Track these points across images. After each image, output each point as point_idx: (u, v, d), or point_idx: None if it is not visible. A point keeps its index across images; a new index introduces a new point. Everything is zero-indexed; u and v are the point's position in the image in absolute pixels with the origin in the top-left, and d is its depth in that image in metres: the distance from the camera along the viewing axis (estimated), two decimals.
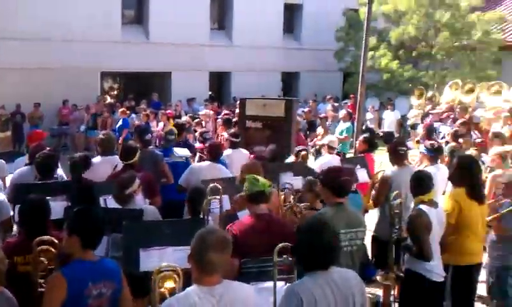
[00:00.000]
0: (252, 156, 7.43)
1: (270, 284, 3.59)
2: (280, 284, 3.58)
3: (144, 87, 20.99)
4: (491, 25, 20.17)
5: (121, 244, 4.10)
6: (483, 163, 7.69)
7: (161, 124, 13.89)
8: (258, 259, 3.76)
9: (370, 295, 6.35)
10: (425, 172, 5.11)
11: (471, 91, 14.32)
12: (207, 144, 7.82)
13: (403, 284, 4.81)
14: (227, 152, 7.86)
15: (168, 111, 16.21)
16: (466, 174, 5.06)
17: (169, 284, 3.34)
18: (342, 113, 13.62)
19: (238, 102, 13.76)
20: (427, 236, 4.52)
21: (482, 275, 5.41)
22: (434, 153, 6.87)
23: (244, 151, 7.93)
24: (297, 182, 6.50)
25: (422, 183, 4.79)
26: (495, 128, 10.73)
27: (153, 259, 3.86)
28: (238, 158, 7.62)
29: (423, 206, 4.64)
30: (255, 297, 3.05)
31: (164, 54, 20.13)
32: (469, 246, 4.98)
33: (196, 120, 12.85)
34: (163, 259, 3.75)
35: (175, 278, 3.31)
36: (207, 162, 6.77)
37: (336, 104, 18.38)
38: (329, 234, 3.11)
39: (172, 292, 3.25)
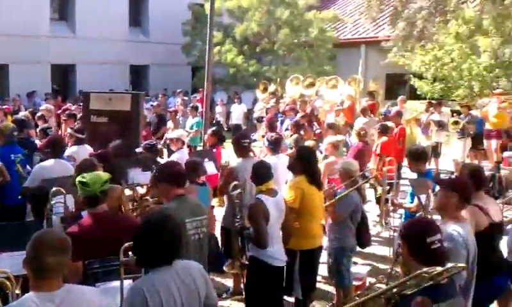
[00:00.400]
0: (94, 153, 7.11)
1: (117, 283, 3.49)
2: (127, 283, 3.50)
3: None
4: (326, 24, 21.69)
5: None
6: (321, 152, 8.28)
7: None
8: (103, 260, 3.63)
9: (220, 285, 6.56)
10: (263, 162, 5.27)
11: (311, 85, 15.30)
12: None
13: (248, 271, 4.94)
14: (72, 149, 7.49)
15: (5, 106, 14.90)
16: (305, 163, 5.39)
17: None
18: (190, 108, 13.76)
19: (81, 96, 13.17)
20: (264, 224, 4.64)
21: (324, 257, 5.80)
22: (273, 145, 7.12)
23: (89, 148, 7.60)
24: (146, 177, 6.41)
25: (260, 173, 4.94)
26: (329, 120, 11.59)
27: None
28: (84, 154, 7.28)
29: (261, 196, 4.79)
30: (100, 300, 2.94)
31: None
32: (311, 230, 5.31)
33: (38, 114, 11.98)
34: None
35: (8, 285, 3.06)
36: (51, 160, 6.32)
37: (186, 98, 18.42)
38: (171, 227, 3.05)
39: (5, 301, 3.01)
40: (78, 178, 3.95)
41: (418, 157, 6.16)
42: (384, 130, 9.25)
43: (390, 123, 9.94)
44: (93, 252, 3.59)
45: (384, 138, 9.08)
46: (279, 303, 4.91)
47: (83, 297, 2.79)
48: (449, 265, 2.87)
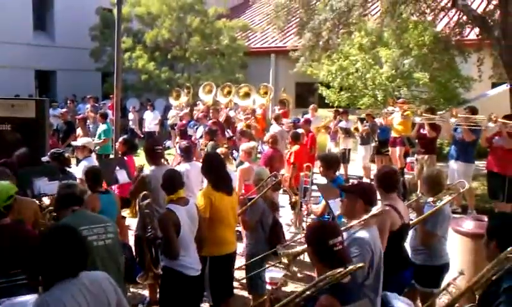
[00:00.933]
0: None
1: (25, 298, 3.35)
2: (30, 297, 3.34)
3: None
4: (236, 32, 21.96)
5: None
6: (234, 159, 8.40)
7: None
8: (7, 274, 3.47)
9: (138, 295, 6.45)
10: (173, 171, 5.27)
11: (229, 93, 15.42)
12: None
13: (162, 281, 4.90)
14: None
15: None
16: (210, 171, 5.45)
17: None
18: (99, 115, 13.37)
19: None
20: (174, 234, 4.63)
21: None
22: (185, 153, 7.23)
23: None
24: (53, 187, 6.16)
25: (170, 183, 4.92)
26: (241, 127, 11.75)
27: None
28: None
29: (171, 205, 4.78)
30: None
31: None
32: (222, 237, 5.34)
33: None
34: None
35: None
36: None
37: (96, 104, 17.88)
38: (72, 238, 2.95)
39: None
40: None
41: (331, 164, 6.39)
42: (296, 138, 9.50)
43: (300, 131, 10.25)
44: None
45: (296, 146, 9.33)
46: None
47: None
48: (350, 266, 2.99)
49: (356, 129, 12.49)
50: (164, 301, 4.88)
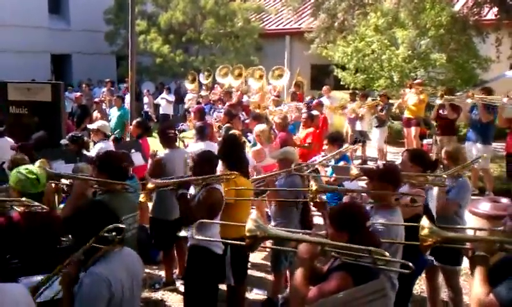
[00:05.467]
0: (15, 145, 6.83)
1: (39, 278, 3.38)
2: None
3: None
4: (250, 14, 21.81)
5: None
6: (249, 141, 8.40)
7: None
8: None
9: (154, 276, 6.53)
10: (210, 152, 5.22)
11: (239, 75, 15.35)
12: None
13: (189, 259, 4.90)
14: None
15: None
16: (230, 151, 5.42)
17: None
18: (115, 98, 13.44)
19: None
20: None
21: None
22: (199, 133, 7.45)
23: (9, 139, 7.30)
24: (70, 170, 6.23)
25: (210, 163, 4.89)
26: (254, 111, 11.70)
27: None
28: (3, 146, 7.03)
29: (215, 184, 4.78)
30: (25, 296, 2.86)
31: None
32: (243, 219, 5.31)
33: None
34: None
35: None
36: None
37: (112, 88, 17.96)
38: (114, 216, 3.11)
39: None
40: (29, 175, 3.76)
41: (334, 140, 6.58)
42: (311, 120, 9.46)
43: (315, 112, 10.20)
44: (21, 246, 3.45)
45: (311, 128, 9.26)
46: (216, 291, 4.92)
47: (12, 297, 2.71)
48: (386, 254, 2.97)
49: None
50: (190, 279, 4.87)
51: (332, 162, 6.54)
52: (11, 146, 6.90)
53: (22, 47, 20.82)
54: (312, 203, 5.04)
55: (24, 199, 3.70)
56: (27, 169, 3.82)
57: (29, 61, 20.71)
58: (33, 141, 6.56)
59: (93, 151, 7.59)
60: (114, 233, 2.98)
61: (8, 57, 20.44)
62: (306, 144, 8.94)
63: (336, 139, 6.76)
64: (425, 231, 3.11)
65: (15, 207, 3.75)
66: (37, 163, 4.42)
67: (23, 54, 20.80)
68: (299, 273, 3.10)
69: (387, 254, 2.96)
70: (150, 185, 4.82)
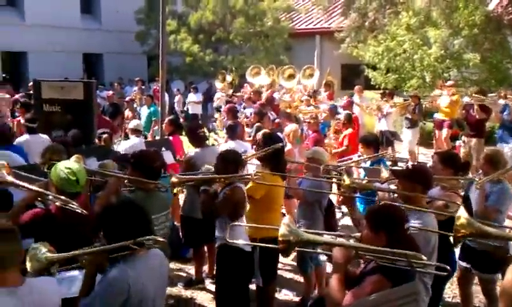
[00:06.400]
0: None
1: (72, 273, 3.43)
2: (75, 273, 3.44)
3: None
4: (280, 14, 21.77)
5: None
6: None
7: None
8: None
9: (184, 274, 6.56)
10: (235, 152, 5.21)
11: (292, 76, 15.20)
12: None
13: (218, 258, 4.92)
14: (24, 138, 7.35)
15: None
16: (273, 152, 5.38)
17: None
18: (145, 97, 13.62)
19: (30, 85, 12.79)
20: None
21: None
22: (230, 131, 7.49)
23: (44, 136, 7.43)
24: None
25: (234, 163, 4.87)
26: (285, 111, 11.64)
27: None
28: (36, 144, 7.13)
29: (238, 183, 4.82)
30: (58, 290, 2.90)
31: None
32: (274, 219, 5.25)
33: None
34: None
35: None
36: None
37: (143, 87, 18.17)
38: (146, 215, 3.15)
39: None
40: (70, 176, 3.82)
41: (369, 144, 6.48)
42: (349, 121, 9.33)
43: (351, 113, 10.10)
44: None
45: (350, 129, 9.13)
46: (247, 289, 4.91)
47: (45, 291, 2.76)
48: (424, 258, 2.91)
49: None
50: (221, 278, 4.89)
51: (367, 164, 6.42)
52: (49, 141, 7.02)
53: (55, 47, 21.23)
54: (340, 198, 4.94)
55: (62, 197, 3.75)
56: (69, 169, 3.85)
57: (62, 60, 21.10)
58: (70, 138, 6.66)
59: (122, 146, 7.69)
60: (146, 238, 3.02)
61: (42, 57, 20.87)
62: (344, 147, 8.80)
63: (371, 142, 6.57)
64: (461, 221, 3.01)
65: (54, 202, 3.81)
66: (72, 158, 4.46)
67: (56, 53, 21.20)
68: (334, 278, 3.05)
69: (424, 257, 2.90)
70: (174, 179, 4.85)
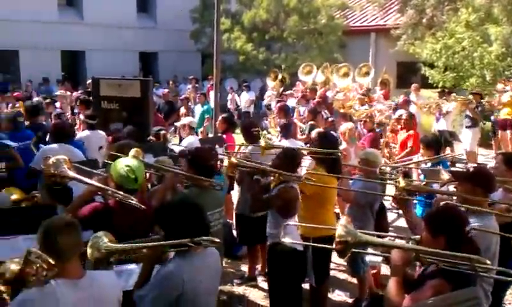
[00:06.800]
0: (110, 138, 7.14)
1: (130, 266, 3.50)
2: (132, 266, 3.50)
3: None
4: (334, 11, 21.51)
5: None
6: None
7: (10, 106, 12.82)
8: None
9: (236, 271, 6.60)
10: (294, 150, 5.21)
11: (346, 74, 15.03)
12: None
13: (270, 257, 4.90)
14: (84, 133, 7.59)
15: (16, 93, 15.03)
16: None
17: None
18: (199, 95, 13.77)
19: (89, 82, 13.20)
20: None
21: None
22: (284, 130, 7.41)
23: (102, 133, 7.65)
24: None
25: (292, 161, 4.88)
26: (339, 110, 11.49)
27: (3, 249, 3.55)
28: (96, 139, 7.38)
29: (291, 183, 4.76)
30: (117, 283, 2.97)
31: (9, 30, 18.70)
32: (328, 218, 5.24)
33: (47, 101, 12.15)
34: (14, 249, 3.45)
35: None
36: (55, 145, 6.29)
37: (197, 85, 18.42)
38: (203, 212, 3.19)
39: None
40: (129, 174, 3.91)
41: (430, 145, 6.28)
42: (411, 121, 8.96)
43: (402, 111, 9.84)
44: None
45: (412, 131, 8.80)
46: (300, 288, 4.88)
47: (105, 284, 2.83)
48: (488, 262, 2.77)
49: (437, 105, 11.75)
50: (273, 277, 4.88)
51: (428, 166, 6.23)
52: (107, 139, 7.22)
53: (113, 45, 21.81)
54: (394, 201, 4.79)
55: (121, 193, 3.85)
56: (128, 167, 3.94)
57: (119, 58, 21.66)
58: (125, 134, 6.81)
59: (183, 143, 7.81)
60: (204, 238, 3.05)
61: (100, 55, 21.50)
62: (409, 148, 8.47)
63: (432, 143, 6.35)
64: None
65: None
66: (131, 152, 4.55)
67: (113, 52, 21.78)
68: (392, 281, 2.96)
69: (488, 262, 2.77)
70: (233, 160, 4.96)
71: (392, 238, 3.56)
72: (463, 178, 4.11)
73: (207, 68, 22.00)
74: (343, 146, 7.42)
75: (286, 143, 6.88)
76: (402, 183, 4.34)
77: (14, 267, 2.85)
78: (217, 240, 3.10)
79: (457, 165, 9.65)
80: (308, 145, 6.27)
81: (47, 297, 2.56)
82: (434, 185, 5.40)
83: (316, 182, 4.88)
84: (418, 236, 3.18)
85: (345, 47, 20.95)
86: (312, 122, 8.67)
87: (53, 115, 9.71)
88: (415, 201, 6.45)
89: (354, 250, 3.03)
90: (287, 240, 4.17)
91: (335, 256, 6.01)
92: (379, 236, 3.30)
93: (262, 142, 6.06)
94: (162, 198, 4.25)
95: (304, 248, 4.72)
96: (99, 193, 4.13)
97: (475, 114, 11.53)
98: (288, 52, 21.03)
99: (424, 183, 5.73)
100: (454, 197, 4.30)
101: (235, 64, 21.83)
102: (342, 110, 10.75)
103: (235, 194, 6.82)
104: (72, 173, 4.18)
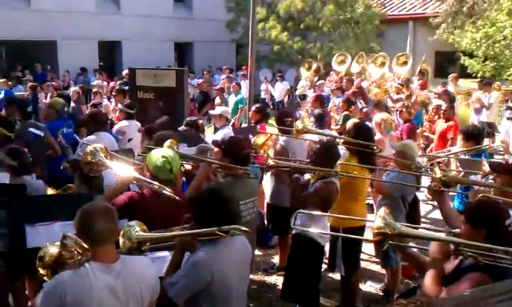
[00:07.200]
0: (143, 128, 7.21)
1: (163, 253, 3.55)
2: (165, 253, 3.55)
3: (29, 57, 19.73)
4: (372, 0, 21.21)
5: (5, 220, 3.83)
6: None
7: (49, 96, 13.17)
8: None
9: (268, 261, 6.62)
10: (332, 142, 5.14)
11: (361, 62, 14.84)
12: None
13: (293, 248, 4.90)
14: (123, 123, 7.66)
15: (53, 82, 15.42)
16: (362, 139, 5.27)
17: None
18: (233, 85, 13.79)
19: (125, 73, 13.39)
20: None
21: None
22: (318, 120, 7.50)
23: (137, 123, 7.74)
24: (192, 153, 6.45)
25: (332, 155, 4.83)
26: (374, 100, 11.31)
27: (41, 235, 3.66)
28: (134, 129, 7.48)
29: (331, 178, 4.72)
30: (151, 270, 3.01)
31: (48, 21, 19.14)
32: (355, 209, 5.18)
33: (94, 90, 12.53)
34: (51, 235, 3.55)
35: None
36: (92, 135, 6.38)
37: (231, 75, 18.46)
38: (234, 202, 3.25)
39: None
40: (165, 164, 3.96)
41: (470, 136, 6.14)
42: (452, 112, 8.80)
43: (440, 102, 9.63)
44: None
45: (452, 122, 8.61)
46: (317, 281, 4.89)
47: (138, 269, 2.86)
48: None
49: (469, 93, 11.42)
50: (292, 267, 4.89)
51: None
52: (139, 129, 7.31)
53: (149, 36, 22.02)
54: (429, 192, 4.67)
55: (157, 183, 3.89)
56: (165, 158, 3.98)
57: (155, 48, 21.85)
58: (159, 125, 6.86)
59: (217, 136, 7.81)
60: (232, 227, 3.08)
61: (136, 45, 21.77)
62: (449, 140, 8.30)
63: (473, 135, 6.17)
64: None
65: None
66: (167, 142, 4.60)
67: (149, 42, 22.00)
68: (430, 274, 2.92)
69: None
70: (271, 162, 4.90)
71: (431, 231, 3.49)
72: (502, 170, 4.00)
73: (241, 57, 22.00)
74: (377, 136, 7.30)
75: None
76: (438, 173, 4.26)
77: (53, 250, 2.96)
78: (245, 229, 3.11)
79: (495, 157, 9.46)
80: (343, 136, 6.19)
81: (80, 280, 2.62)
82: (472, 176, 5.28)
83: (348, 174, 4.82)
84: (457, 230, 3.12)
85: (382, 36, 20.65)
86: (346, 112, 8.57)
87: (90, 104, 9.90)
88: (452, 194, 6.40)
89: (392, 242, 3.00)
90: (312, 230, 4.16)
91: (367, 247, 6.02)
92: (415, 229, 3.26)
93: (299, 125, 6.00)
94: (196, 188, 4.29)
95: (333, 238, 4.71)
96: (134, 182, 4.20)
97: None
98: (324, 42, 20.83)
99: (461, 174, 5.62)
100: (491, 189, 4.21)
101: (269, 54, 21.76)
102: (375, 99, 10.58)
103: (266, 183, 6.81)
104: (109, 162, 4.25)
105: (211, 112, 9.05)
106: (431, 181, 4.31)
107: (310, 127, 6.60)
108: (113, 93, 10.86)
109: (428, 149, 8.92)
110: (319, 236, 4.65)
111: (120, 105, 8.31)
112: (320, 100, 9.45)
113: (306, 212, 4.06)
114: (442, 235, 3.10)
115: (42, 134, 6.79)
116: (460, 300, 2.66)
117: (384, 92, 11.23)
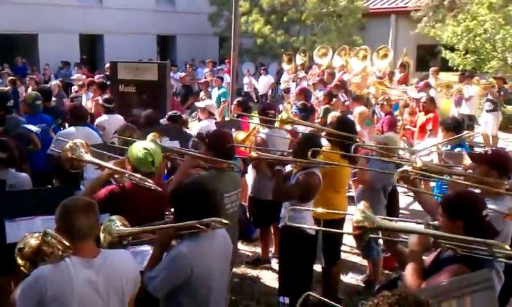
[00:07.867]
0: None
1: (145, 248, 3.54)
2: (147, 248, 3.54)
3: (9, 50, 19.47)
4: None
5: None
6: None
7: (30, 90, 12.96)
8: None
9: (250, 253, 6.65)
10: (315, 136, 5.18)
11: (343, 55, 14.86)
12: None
13: (282, 239, 4.93)
14: (103, 118, 7.59)
15: (34, 76, 15.23)
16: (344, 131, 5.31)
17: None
18: (216, 78, 13.75)
19: (107, 66, 13.26)
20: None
21: None
22: (304, 113, 7.31)
23: (120, 117, 7.68)
24: (174, 146, 6.43)
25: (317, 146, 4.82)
26: (355, 93, 11.39)
27: (22, 230, 3.62)
28: (115, 123, 7.37)
29: (314, 169, 4.73)
30: (132, 264, 3.01)
31: (28, 14, 18.89)
32: (339, 201, 5.25)
33: (80, 83, 12.36)
34: (32, 230, 3.52)
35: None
36: (72, 128, 6.39)
37: (214, 68, 18.39)
38: (217, 196, 3.21)
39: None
40: (147, 157, 3.94)
41: (450, 128, 6.19)
42: (432, 104, 8.89)
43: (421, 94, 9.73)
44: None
45: (432, 114, 8.72)
46: (310, 271, 4.91)
47: (119, 263, 2.86)
48: (507, 247, 2.77)
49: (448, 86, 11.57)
50: (284, 259, 4.91)
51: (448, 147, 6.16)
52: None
53: (130, 29, 21.86)
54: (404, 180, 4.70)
55: (138, 175, 3.86)
56: (146, 150, 3.96)
57: (137, 42, 21.70)
58: (143, 117, 6.84)
59: (195, 128, 7.79)
60: (212, 219, 3.07)
61: (118, 39, 21.59)
62: (428, 131, 8.40)
63: (452, 126, 6.22)
64: None
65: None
66: (149, 136, 4.57)
67: (131, 35, 21.84)
68: (410, 266, 2.96)
69: (507, 246, 2.75)
70: (253, 154, 4.95)
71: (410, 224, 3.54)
72: (480, 160, 4.06)
73: (224, 51, 21.95)
74: (357, 129, 7.36)
75: (301, 127, 6.82)
76: (419, 163, 4.30)
77: (33, 242, 2.93)
78: (226, 222, 3.11)
79: (475, 148, 9.57)
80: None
81: (61, 274, 2.61)
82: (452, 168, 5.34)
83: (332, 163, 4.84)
84: (436, 222, 3.17)
85: (364, 30, 20.73)
86: (327, 106, 8.61)
87: (69, 98, 9.79)
88: (432, 184, 6.49)
89: (371, 236, 3.03)
90: (295, 224, 4.18)
91: (348, 239, 6.07)
92: (396, 221, 3.29)
93: (284, 115, 6.01)
94: (179, 181, 4.28)
95: (315, 231, 4.73)
96: (115, 176, 4.18)
97: (498, 98, 11.38)
98: (307, 35, 20.85)
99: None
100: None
101: (252, 47, 21.73)
102: (357, 94, 10.67)
103: (249, 177, 6.83)
104: (89, 157, 4.20)
105: (197, 104, 9.02)
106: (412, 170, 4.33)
107: (294, 118, 6.63)
108: (91, 87, 10.72)
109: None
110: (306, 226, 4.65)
111: (100, 100, 8.25)
112: (305, 93, 9.48)
113: (298, 208, 4.13)
114: (421, 228, 3.14)
115: (34, 131, 6.74)
116: (437, 290, 2.71)
117: (366, 93, 11.26)
